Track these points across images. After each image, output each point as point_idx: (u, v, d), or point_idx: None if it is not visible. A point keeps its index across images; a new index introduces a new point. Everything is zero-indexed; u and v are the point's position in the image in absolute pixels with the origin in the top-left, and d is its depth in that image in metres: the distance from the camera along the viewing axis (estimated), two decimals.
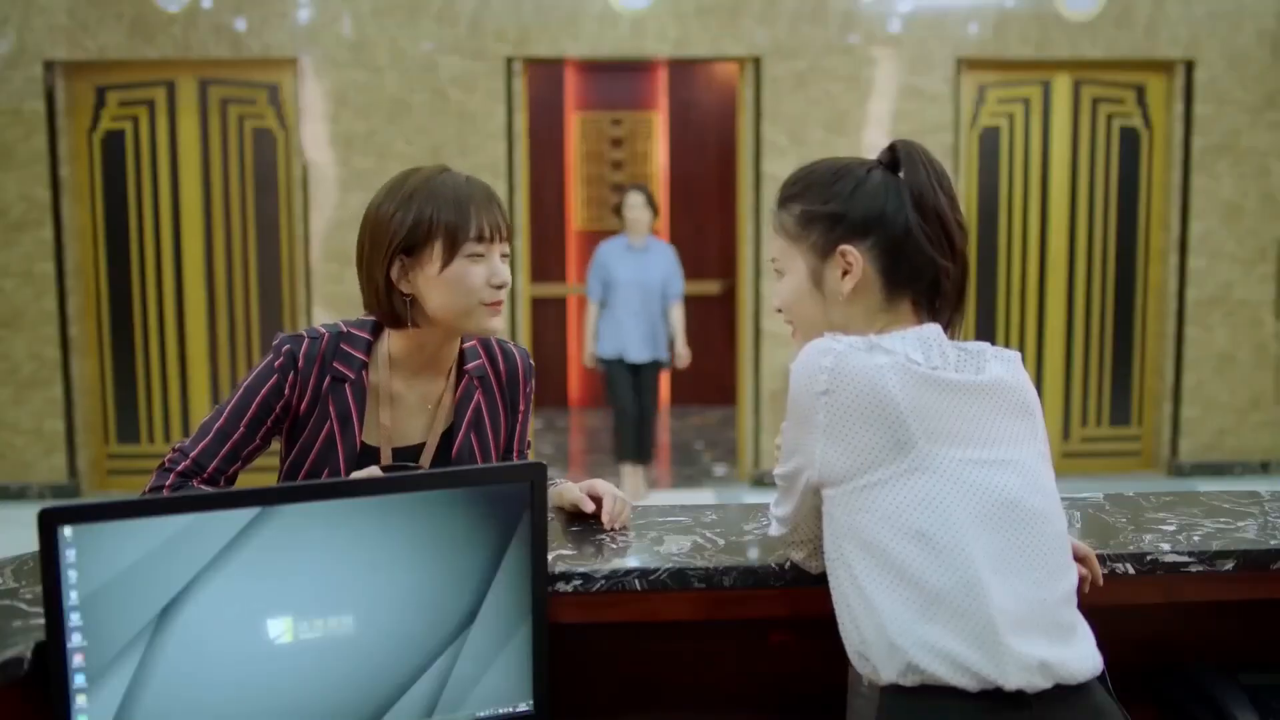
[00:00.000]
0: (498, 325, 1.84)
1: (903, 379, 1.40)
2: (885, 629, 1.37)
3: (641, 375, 6.44)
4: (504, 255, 1.84)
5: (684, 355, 6.48)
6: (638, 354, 6.36)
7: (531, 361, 2.01)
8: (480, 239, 1.79)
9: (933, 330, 1.48)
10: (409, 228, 1.77)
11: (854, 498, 1.41)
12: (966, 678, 1.34)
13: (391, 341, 1.87)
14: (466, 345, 1.93)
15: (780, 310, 1.60)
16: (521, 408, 2.00)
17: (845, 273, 1.51)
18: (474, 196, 1.80)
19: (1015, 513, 1.40)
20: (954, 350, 1.47)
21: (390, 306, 1.82)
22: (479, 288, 1.79)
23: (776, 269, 1.60)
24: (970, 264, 1.56)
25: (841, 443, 1.41)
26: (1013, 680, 1.33)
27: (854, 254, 1.50)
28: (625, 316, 6.34)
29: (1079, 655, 1.39)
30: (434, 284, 1.78)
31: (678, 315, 6.46)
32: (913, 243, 1.49)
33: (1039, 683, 1.34)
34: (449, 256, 1.77)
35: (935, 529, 1.37)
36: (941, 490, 1.39)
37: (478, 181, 1.84)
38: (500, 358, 1.97)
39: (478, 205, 1.79)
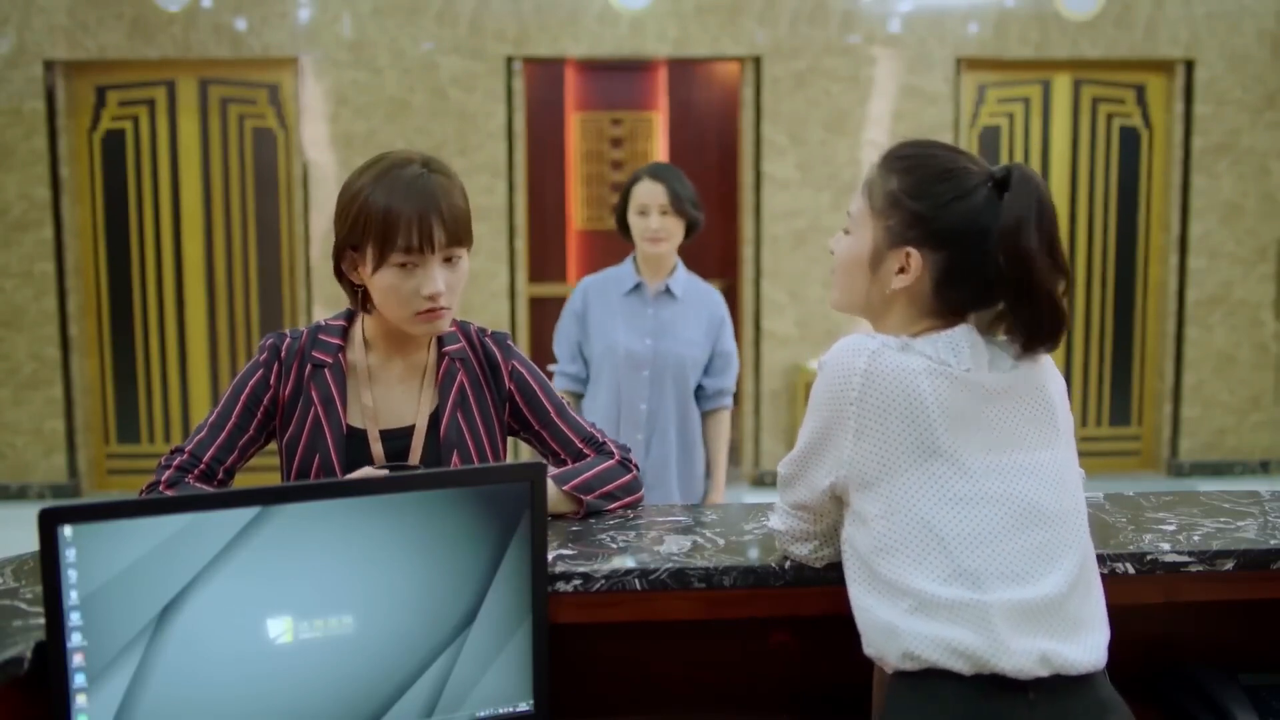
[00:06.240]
0: (439, 328, 1.82)
1: (934, 382, 1.41)
2: (890, 617, 1.40)
3: None
4: (449, 259, 1.78)
5: (719, 489, 3.48)
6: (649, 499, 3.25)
7: (510, 343, 1.96)
8: (408, 250, 1.73)
9: (962, 331, 1.47)
10: (348, 226, 1.77)
11: (877, 495, 1.42)
12: (961, 662, 1.35)
13: (364, 323, 1.91)
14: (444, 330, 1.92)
15: (833, 257, 1.58)
16: (513, 385, 1.95)
17: (901, 270, 1.49)
18: (411, 202, 1.72)
19: (1034, 517, 1.42)
20: (985, 348, 1.47)
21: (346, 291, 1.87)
22: (409, 298, 1.77)
23: (847, 227, 1.57)
24: (1058, 303, 1.44)
25: (870, 441, 1.42)
26: (1006, 664, 1.34)
27: (917, 260, 1.48)
28: (627, 427, 3.34)
29: (1084, 649, 1.39)
30: (371, 284, 1.80)
31: (721, 430, 3.45)
32: (979, 273, 1.45)
33: (1037, 670, 1.35)
34: (377, 264, 1.76)
35: (951, 531, 1.39)
36: (962, 493, 1.40)
37: (431, 184, 1.75)
38: (477, 343, 1.95)
39: (412, 214, 1.72)
